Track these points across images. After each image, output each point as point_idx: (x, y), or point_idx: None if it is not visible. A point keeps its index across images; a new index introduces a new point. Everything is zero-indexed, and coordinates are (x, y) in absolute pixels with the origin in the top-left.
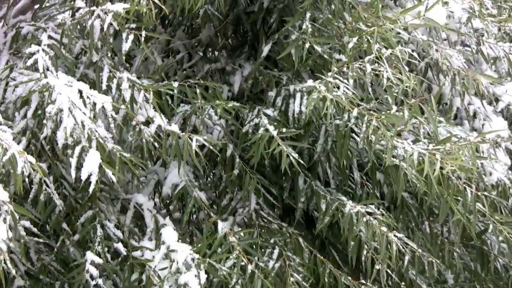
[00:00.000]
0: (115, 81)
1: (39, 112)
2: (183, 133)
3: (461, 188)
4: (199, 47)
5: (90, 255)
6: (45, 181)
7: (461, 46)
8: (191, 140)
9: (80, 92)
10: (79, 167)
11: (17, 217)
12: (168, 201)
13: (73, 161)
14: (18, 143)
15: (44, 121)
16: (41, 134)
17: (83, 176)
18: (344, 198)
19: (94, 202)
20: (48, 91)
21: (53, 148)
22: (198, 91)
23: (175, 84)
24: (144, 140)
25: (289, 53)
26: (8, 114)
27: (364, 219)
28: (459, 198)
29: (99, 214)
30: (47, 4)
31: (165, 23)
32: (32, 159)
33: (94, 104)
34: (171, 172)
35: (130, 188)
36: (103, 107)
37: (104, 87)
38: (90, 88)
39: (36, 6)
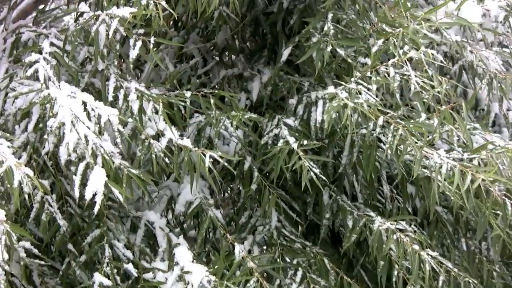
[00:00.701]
0: (122, 91)
1: (41, 125)
2: (196, 149)
3: (500, 201)
4: (214, 51)
5: (98, 277)
6: (47, 199)
7: (498, 47)
8: (205, 155)
9: (84, 104)
10: (83, 185)
11: (15, 237)
12: (182, 219)
13: (77, 178)
14: (19, 158)
15: (45, 136)
16: (43, 149)
17: (88, 196)
18: (372, 214)
19: (101, 220)
20: (50, 103)
21: (57, 163)
22: (212, 101)
23: (188, 94)
24: (154, 156)
25: (310, 57)
26: (8, 127)
27: (395, 237)
28: (498, 212)
29: (107, 233)
30: (51, 7)
31: (177, 26)
32: (29, 172)
33: (100, 116)
34: (185, 188)
35: (141, 205)
36: (109, 120)
37: (110, 98)
38: (95, 99)
39: (41, 7)
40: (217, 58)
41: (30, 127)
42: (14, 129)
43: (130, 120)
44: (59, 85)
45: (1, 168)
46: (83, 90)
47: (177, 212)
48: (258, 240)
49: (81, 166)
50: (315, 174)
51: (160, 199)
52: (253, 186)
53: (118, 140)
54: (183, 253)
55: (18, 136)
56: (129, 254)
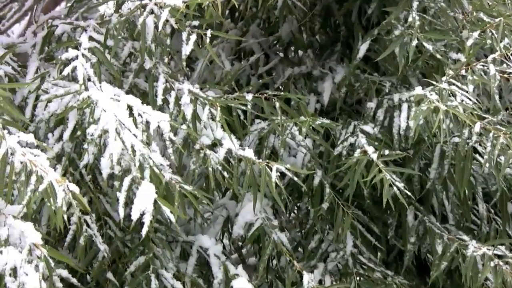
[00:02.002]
0: (173, 93)
1: (78, 133)
2: (260, 160)
3: None
4: (278, 46)
5: None
6: (85, 220)
7: None
8: (270, 169)
9: (130, 108)
10: (128, 203)
11: (52, 264)
12: (240, 244)
13: (121, 196)
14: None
15: (85, 145)
16: (81, 161)
17: (134, 216)
18: (466, 237)
19: (147, 245)
20: (90, 107)
21: (95, 178)
22: (277, 104)
23: (249, 97)
24: (210, 169)
25: (392, 53)
26: (39, 136)
27: (492, 264)
28: None
29: (153, 261)
30: None
31: (234, 16)
32: (75, 188)
33: (147, 123)
34: (244, 207)
35: (192, 227)
36: (158, 127)
37: (159, 101)
38: (142, 103)
39: None
40: (282, 54)
41: (66, 135)
42: (46, 138)
43: (183, 127)
44: (100, 86)
45: (41, 184)
46: (127, 93)
47: (235, 235)
48: (330, 268)
49: (126, 181)
50: (399, 189)
51: (214, 221)
52: (325, 205)
53: (169, 150)
54: (242, 286)
55: (51, 146)
56: (178, 285)
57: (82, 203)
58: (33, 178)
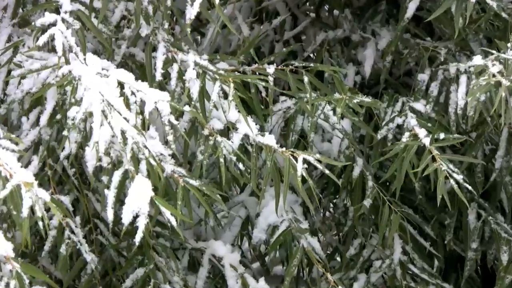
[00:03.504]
0: (175, 66)
1: (59, 117)
2: (283, 149)
3: None
4: (308, 5)
5: None
6: (68, 224)
7: None
8: (296, 159)
9: (121, 85)
10: (121, 202)
11: (27, 281)
12: (262, 250)
13: (110, 194)
14: (27, 165)
15: (64, 132)
16: (62, 151)
17: (125, 219)
18: None
19: (147, 254)
20: (71, 84)
21: (82, 171)
22: (306, 78)
23: (271, 69)
24: (222, 160)
25: (448, 12)
26: (11, 120)
27: None
28: None
29: (154, 273)
30: None
31: None
32: (45, 194)
33: (143, 104)
34: (267, 205)
35: (203, 231)
36: (156, 108)
37: (159, 76)
38: (136, 78)
39: None
40: (313, 15)
41: (44, 119)
42: (20, 123)
43: (187, 108)
44: (84, 59)
45: (5, 190)
46: (119, 65)
47: (256, 240)
48: (374, 281)
49: (117, 175)
50: (457, 183)
51: (230, 222)
52: (367, 202)
53: (171, 137)
54: None
55: (26, 133)
56: None
57: (60, 208)
58: None
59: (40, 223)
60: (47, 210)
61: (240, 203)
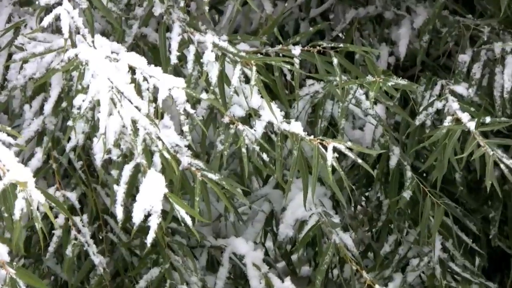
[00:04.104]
0: (192, 48)
1: (64, 105)
2: (311, 137)
3: None
4: None
5: None
6: (74, 222)
7: None
8: (325, 148)
9: (132, 70)
10: (133, 197)
11: (23, 287)
12: (289, 248)
13: (120, 190)
14: (30, 157)
15: (70, 122)
16: (68, 141)
17: (136, 218)
18: None
19: (162, 253)
20: (78, 69)
21: (90, 164)
22: (335, 60)
23: (297, 50)
24: (244, 150)
25: None
26: (12, 108)
27: None
28: None
29: (170, 273)
30: None
31: None
32: (39, 196)
33: (156, 90)
34: (294, 198)
35: (223, 227)
36: (171, 95)
37: (174, 59)
38: (149, 62)
39: None
40: None
41: (48, 107)
42: (22, 111)
43: (204, 95)
44: (92, 41)
45: None
46: (130, 48)
47: (282, 237)
48: (411, 280)
49: (127, 169)
50: (509, 168)
51: (253, 217)
52: (406, 194)
53: (186, 128)
54: None
55: (29, 122)
56: None
57: (61, 208)
58: None
59: (37, 225)
60: (51, 208)
61: (263, 197)
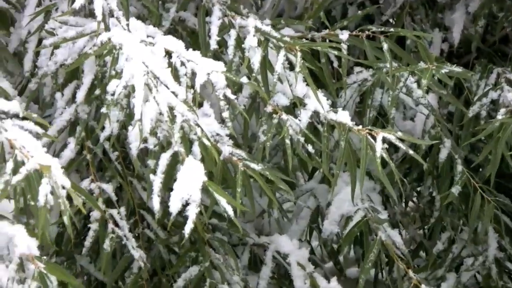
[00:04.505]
0: (233, 32)
1: (98, 92)
2: (359, 127)
3: None
4: None
5: None
6: (111, 216)
7: None
8: (374, 138)
9: (169, 54)
10: (170, 191)
11: (54, 283)
12: (335, 246)
13: (156, 180)
14: (62, 148)
15: (104, 109)
16: (102, 131)
17: (173, 208)
18: None
19: (201, 251)
20: (112, 54)
21: (126, 155)
22: (385, 45)
23: (344, 35)
24: (287, 141)
25: None
26: (43, 96)
27: None
28: None
29: (210, 272)
30: None
31: None
32: (65, 181)
33: (194, 75)
34: (340, 192)
35: (267, 224)
36: (210, 81)
37: (214, 44)
38: (187, 47)
39: None
40: None
41: (80, 95)
42: (53, 100)
43: (245, 80)
44: (127, 25)
45: (19, 174)
46: (167, 32)
47: (327, 234)
48: (465, 281)
49: (164, 158)
50: None
51: (298, 214)
52: (455, 189)
53: (227, 113)
54: None
55: (60, 111)
56: None
57: (88, 197)
58: (9, 165)
59: (65, 218)
60: (84, 204)
61: (308, 192)
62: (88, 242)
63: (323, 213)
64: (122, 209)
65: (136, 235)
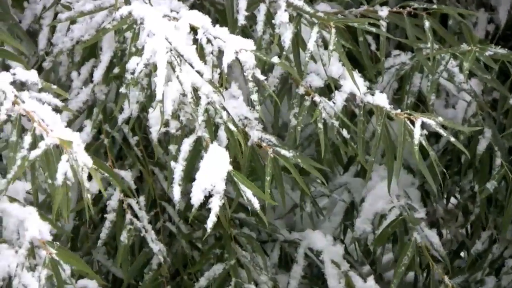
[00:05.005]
0: (263, 7)
1: (117, 71)
2: (398, 111)
3: None
4: None
5: None
6: (130, 205)
7: None
8: (413, 123)
9: (194, 30)
10: (191, 180)
11: (67, 271)
12: (370, 246)
13: (178, 167)
14: (78, 131)
15: (123, 89)
16: (120, 113)
17: (195, 199)
18: None
19: (227, 247)
20: (132, 29)
21: (147, 140)
22: (427, 23)
23: (384, 12)
24: (320, 125)
25: None
26: (58, 76)
27: None
28: None
29: (236, 270)
30: None
31: None
32: (86, 158)
33: (221, 53)
34: (374, 188)
35: (298, 219)
36: (237, 59)
37: (242, 20)
38: (214, 23)
39: None
40: None
41: (98, 74)
42: (69, 79)
43: (276, 59)
44: None
45: (38, 149)
46: (192, 7)
47: (359, 233)
48: (506, 284)
49: (187, 143)
50: None
51: (332, 209)
52: (491, 184)
53: (255, 96)
54: None
55: (77, 91)
56: None
57: (117, 181)
58: (27, 139)
59: (86, 200)
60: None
61: (342, 186)
62: (104, 234)
63: (357, 208)
64: (142, 199)
65: (157, 229)
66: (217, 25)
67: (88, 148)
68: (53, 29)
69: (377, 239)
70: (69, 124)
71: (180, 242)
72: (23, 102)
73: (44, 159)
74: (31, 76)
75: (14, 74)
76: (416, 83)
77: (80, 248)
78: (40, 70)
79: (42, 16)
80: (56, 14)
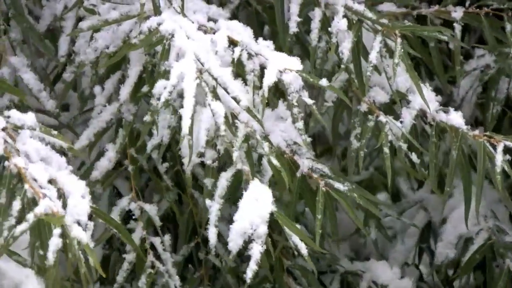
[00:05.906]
0: (318, 12)
1: (146, 88)
2: (474, 132)
3: None
4: None
5: None
6: (152, 245)
7: None
8: (494, 147)
9: (233, 43)
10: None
11: None
12: (450, 273)
13: (214, 206)
14: (98, 156)
15: (147, 117)
16: (150, 138)
17: (233, 244)
18: None
19: (278, 280)
20: (162, 43)
21: (180, 167)
22: (509, 26)
23: (458, 13)
24: (386, 150)
25: None
26: (81, 88)
27: None
28: None
29: None
30: None
31: None
32: (81, 234)
33: (263, 70)
34: (457, 207)
35: (361, 245)
36: (281, 80)
37: (293, 27)
38: (261, 24)
39: None
40: None
41: (125, 91)
42: (91, 94)
43: (325, 82)
44: (180, 6)
45: (23, 224)
46: (239, 8)
47: (440, 259)
48: None
49: (224, 178)
50: None
51: (403, 231)
52: None
53: (301, 123)
54: None
55: (99, 110)
56: None
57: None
58: (16, 204)
59: (81, 271)
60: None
61: (417, 204)
62: (121, 277)
63: (436, 230)
64: (167, 237)
65: (200, 260)
66: (260, 38)
67: (108, 176)
68: (74, 38)
69: (464, 266)
70: (90, 147)
71: (225, 277)
72: (17, 150)
73: (35, 231)
74: (28, 119)
75: (8, 117)
76: (503, 88)
77: None
78: (59, 76)
79: (63, 17)
80: (78, 19)
